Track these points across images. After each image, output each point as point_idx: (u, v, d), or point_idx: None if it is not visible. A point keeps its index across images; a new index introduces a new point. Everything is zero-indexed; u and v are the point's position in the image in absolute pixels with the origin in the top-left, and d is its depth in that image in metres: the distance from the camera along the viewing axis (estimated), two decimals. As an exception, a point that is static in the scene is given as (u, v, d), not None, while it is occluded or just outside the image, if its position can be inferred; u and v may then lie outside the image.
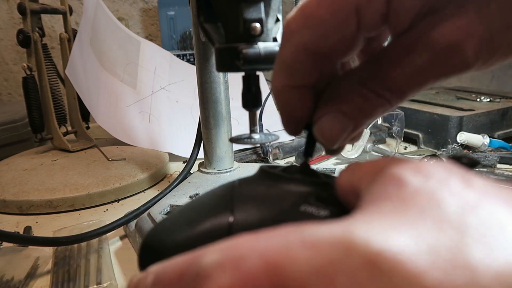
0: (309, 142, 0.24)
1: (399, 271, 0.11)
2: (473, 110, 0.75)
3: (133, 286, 0.17)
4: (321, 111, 0.21)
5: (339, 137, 0.21)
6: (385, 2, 0.18)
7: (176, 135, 0.80)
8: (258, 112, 0.32)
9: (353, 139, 0.23)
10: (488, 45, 0.18)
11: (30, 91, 0.73)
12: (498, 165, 0.64)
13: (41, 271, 0.43)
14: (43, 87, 0.74)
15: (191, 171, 0.58)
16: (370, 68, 0.20)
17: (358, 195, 0.17)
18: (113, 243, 0.49)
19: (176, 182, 0.55)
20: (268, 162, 0.73)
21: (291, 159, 0.75)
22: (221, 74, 0.52)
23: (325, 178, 0.22)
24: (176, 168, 0.74)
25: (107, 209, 0.59)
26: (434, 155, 0.70)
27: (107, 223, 0.47)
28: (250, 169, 0.57)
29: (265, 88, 0.90)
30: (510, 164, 0.65)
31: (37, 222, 0.56)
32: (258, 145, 0.74)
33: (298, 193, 0.20)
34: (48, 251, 0.46)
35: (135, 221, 0.48)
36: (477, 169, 0.61)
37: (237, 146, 0.71)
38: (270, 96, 0.85)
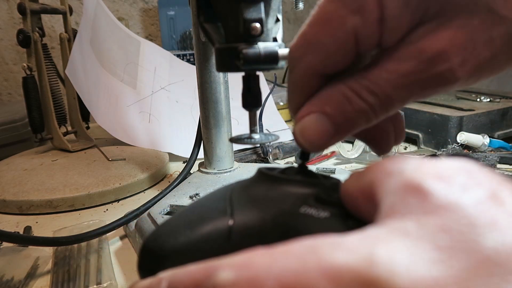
0: None
1: None
2: (473, 110, 0.75)
3: None
4: (305, 109, 0.21)
5: (320, 142, 0.21)
6: (378, 23, 0.19)
7: (176, 135, 0.80)
8: (258, 112, 0.32)
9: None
10: (473, 57, 0.19)
11: (30, 91, 0.73)
12: (498, 165, 0.64)
13: (41, 271, 0.43)
14: (43, 87, 0.74)
15: (191, 171, 0.58)
16: (356, 69, 0.21)
17: (372, 200, 0.16)
18: (113, 243, 0.49)
19: (176, 182, 0.55)
20: (268, 162, 0.73)
21: (291, 159, 0.75)
22: (221, 74, 0.52)
23: (323, 179, 0.22)
24: (176, 168, 0.74)
25: (107, 209, 0.59)
26: (434, 155, 0.70)
27: (107, 223, 0.47)
28: (250, 169, 0.57)
29: (265, 88, 0.90)
30: (510, 164, 0.65)
31: (37, 222, 0.56)
32: (258, 145, 0.74)
33: (297, 194, 0.20)
34: (48, 251, 0.46)
35: (135, 221, 0.48)
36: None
37: (237, 146, 0.71)
38: (270, 96, 0.85)
